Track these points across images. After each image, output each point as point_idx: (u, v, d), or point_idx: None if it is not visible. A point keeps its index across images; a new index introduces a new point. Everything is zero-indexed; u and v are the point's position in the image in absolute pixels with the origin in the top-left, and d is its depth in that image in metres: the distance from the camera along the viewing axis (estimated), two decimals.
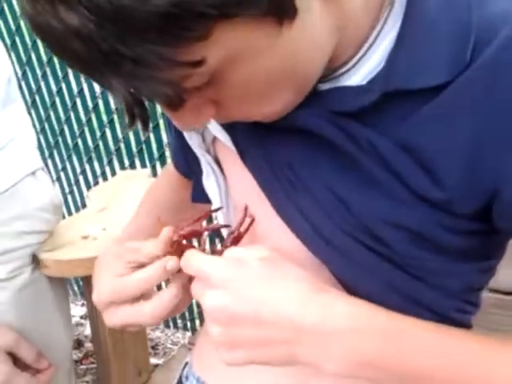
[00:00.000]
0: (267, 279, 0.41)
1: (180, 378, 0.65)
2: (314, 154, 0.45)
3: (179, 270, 0.46)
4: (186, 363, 0.66)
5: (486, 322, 0.91)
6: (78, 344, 1.87)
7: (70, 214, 1.97)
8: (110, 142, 1.69)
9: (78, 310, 2.01)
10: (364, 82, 0.41)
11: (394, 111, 0.40)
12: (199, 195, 0.63)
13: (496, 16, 0.38)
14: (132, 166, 1.67)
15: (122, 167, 1.71)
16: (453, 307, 0.47)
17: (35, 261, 0.90)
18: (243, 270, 0.41)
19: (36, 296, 0.88)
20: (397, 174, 0.41)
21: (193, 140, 0.56)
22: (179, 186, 0.70)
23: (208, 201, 0.59)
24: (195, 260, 0.44)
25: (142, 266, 0.47)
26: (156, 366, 1.60)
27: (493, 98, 0.37)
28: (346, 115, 0.42)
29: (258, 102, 0.41)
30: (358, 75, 0.42)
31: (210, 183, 0.57)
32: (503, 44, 0.36)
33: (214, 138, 0.55)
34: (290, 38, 0.36)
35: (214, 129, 0.52)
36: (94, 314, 1.08)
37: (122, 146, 1.66)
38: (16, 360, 0.80)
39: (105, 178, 1.77)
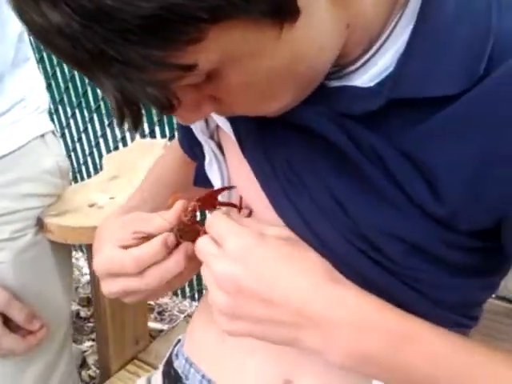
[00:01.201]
0: (284, 260, 0.41)
1: (170, 354, 0.65)
2: (314, 153, 0.43)
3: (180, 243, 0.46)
4: (179, 340, 0.66)
5: (487, 328, 0.89)
6: (88, 302, 1.91)
7: (89, 176, 1.99)
8: None
9: None
10: (372, 84, 0.39)
11: (401, 118, 0.38)
12: (201, 179, 0.62)
13: None
14: (152, 134, 1.66)
15: (143, 135, 1.70)
16: (451, 321, 0.46)
17: (39, 224, 0.90)
18: (264, 245, 0.41)
19: (37, 259, 0.89)
20: (399, 183, 0.39)
21: (196, 125, 0.55)
22: (183, 164, 0.68)
23: (210, 185, 0.58)
24: (221, 222, 0.44)
25: (148, 238, 0.47)
26: (161, 331, 1.63)
27: (507, 115, 0.34)
28: (351, 117, 0.39)
29: (260, 100, 0.39)
30: (367, 76, 0.39)
31: (212, 169, 0.56)
32: None
33: (218, 124, 0.53)
34: (293, 39, 0.33)
35: (217, 116, 0.50)
36: (94, 279, 1.09)
37: (143, 112, 1.64)
38: (8, 320, 0.81)
39: (125, 144, 1.77)
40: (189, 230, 0.47)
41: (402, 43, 0.37)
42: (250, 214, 0.49)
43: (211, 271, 0.41)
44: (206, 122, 0.54)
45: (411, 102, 0.37)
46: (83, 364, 1.61)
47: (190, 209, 0.47)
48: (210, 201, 0.49)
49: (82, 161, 1.99)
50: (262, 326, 0.40)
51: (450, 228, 0.39)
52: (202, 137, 0.55)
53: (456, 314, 0.46)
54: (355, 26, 0.37)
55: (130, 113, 0.34)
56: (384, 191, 0.40)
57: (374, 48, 0.39)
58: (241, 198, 0.50)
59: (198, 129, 0.55)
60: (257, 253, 0.40)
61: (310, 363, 0.48)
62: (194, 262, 0.47)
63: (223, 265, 0.40)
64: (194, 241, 0.47)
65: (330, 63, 0.39)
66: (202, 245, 0.44)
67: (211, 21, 0.29)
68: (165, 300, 1.94)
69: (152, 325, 1.65)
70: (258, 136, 0.46)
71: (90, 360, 1.62)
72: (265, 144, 0.46)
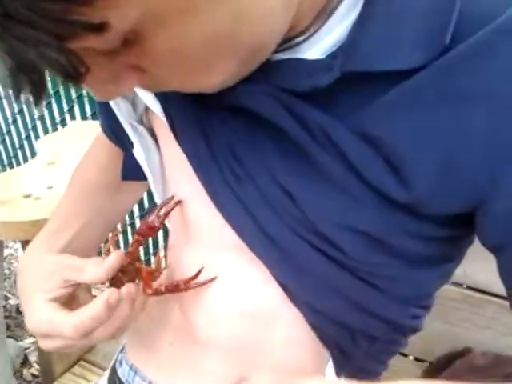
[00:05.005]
0: None
1: (115, 361, 0.59)
2: (259, 138, 0.38)
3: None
4: (123, 348, 0.60)
5: (446, 315, 0.89)
6: None
7: (26, 161, 1.86)
8: (72, 88, 1.57)
9: None
10: (323, 57, 0.34)
11: (354, 94, 0.34)
12: (131, 171, 0.54)
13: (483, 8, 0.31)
14: (94, 116, 1.56)
15: (84, 116, 1.59)
16: (406, 314, 0.43)
17: None
18: None
19: None
20: (354, 167, 0.34)
21: (119, 106, 0.47)
22: (115, 157, 0.58)
23: (142, 178, 0.50)
24: None
25: (78, 285, 0.43)
26: None
27: (483, 90, 0.30)
28: (297, 95, 0.34)
29: (193, 71, 0.32)
30: (318, 47, 0.34)
31: (141, 157, 0.49)
32: (500, 28, 0.30)
33: (147, 106, 0.46)
34: None
35: (145, 97, 0.43)
36: None
37: (85, 92, 1.54)
38: None
39: (64, 126, 1.66)
40: (128, 270, 0.43)
41: (357, 11, 0.33)
42: (175, 205, 0.45)
43: None
44: (133, 103, 0.47)
45: (366, 76, 0.32)
46: (25, 362, 1.52)
47: (130, 249, 0.43)
48: (150, 228, 0.44)
49: (17, 145, 1.85)
50: None
51: (413, 215, 0.35)
52: (125, 121, 0.47)
53: (412, 306, 0.44)
54: None
55: (29, 81, 0.27)
56: (336, 178, 0.35)
57: (325, 16, 0.34)
58: (179, 201, 0.45)
59: (122, 110, 0.47)
60: None
61: (264, 358, 0.44)
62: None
63: None
64: (133, 280, 0.43)
65: (279, 34, 0.33)
66: None
67: None
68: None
69: None
70: (194, 119, 0.40)
71: (33, 357, 1.53)
72: (202, 129, 0.40)
